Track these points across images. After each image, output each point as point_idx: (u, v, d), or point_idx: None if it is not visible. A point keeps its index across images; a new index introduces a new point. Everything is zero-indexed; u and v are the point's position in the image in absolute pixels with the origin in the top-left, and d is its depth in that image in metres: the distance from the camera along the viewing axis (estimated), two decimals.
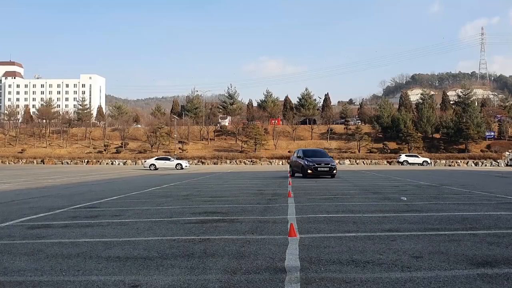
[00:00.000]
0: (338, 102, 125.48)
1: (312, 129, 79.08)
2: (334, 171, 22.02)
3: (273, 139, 73.78)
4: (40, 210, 9.53)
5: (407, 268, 4.42)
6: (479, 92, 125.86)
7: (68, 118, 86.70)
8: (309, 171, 21.59)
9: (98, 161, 68.24)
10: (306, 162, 21.99)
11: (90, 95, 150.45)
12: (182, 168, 43.55)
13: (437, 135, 74.88)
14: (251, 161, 66.52)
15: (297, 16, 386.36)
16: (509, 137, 73.01)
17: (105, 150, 73.11)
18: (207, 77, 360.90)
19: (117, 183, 20.18)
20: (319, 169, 21.67)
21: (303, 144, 73.03)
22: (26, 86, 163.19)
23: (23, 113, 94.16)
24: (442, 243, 5.59)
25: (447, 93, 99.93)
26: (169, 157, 48.94)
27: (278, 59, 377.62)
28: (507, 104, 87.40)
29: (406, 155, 62.21)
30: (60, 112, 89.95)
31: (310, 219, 7.83)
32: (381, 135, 76.75)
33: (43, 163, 68.04)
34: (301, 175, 22.99)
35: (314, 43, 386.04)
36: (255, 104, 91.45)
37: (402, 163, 59.90)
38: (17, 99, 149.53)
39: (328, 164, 22.02)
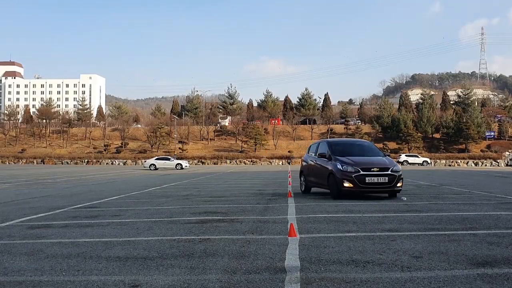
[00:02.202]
0: (338, 102, 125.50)
1: (312, 129, 79.08)
2: (399, 184, 11.19)
3: (273, 139, 73.77)
4: (40, 210, 9.53)
5: (407, 268, 4.42)
6: (479, 92, 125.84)
7: (68, 118, 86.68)
8: (346, 185, 10.82)
9: (98, 161, 68.26)
10: (340, 166, 11.07)
11: (90, 95, 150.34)
12: (182, 168, 43.55)
13: (437, 135, 74.90)
14: (251, 161, 66.53)
15: (297, 16, 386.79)
16: (509, 137, 73.00)
17: (105, 150, 73.11)
18: (207, 77, 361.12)
19: (117, 183, 20.18)
20: (368, 179, 10.75)
21: (304, 144, 72.99)
22: (26, 86, 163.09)
23: (23, 113, 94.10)
24: (442, 243, 5.59)
25: (447, 93, 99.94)
26: (169, 157, 48.95)
27: (279, 59, 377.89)
28: (507, 104, 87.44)
29: (406, 155, 62.24)
30: (60, 112, 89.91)
31: (310, 219, 7.83)
32: (381, 135, 76.76)
33: (43, 163, 68.05)
34: (327, 191, 12.07)
35: (314, 43, 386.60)
36: (255, 104, 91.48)
37: (402, 163, 59.81)
38: (17, 99, 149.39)
39: (387, 168, 11.06)
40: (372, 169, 10.92)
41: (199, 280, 4.08)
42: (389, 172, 10.98)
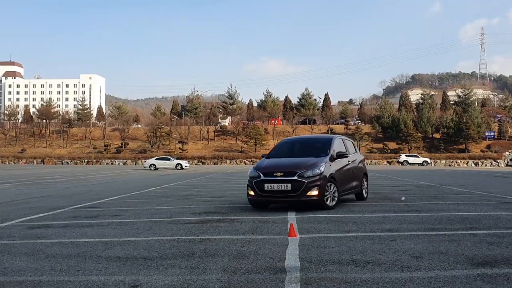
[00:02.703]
0: (338, 102, 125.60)
1: (312, 129, 79.11)
2: (311, 193, 8.69)
3: (273, 139, 73.76)
4: (40, 210, 9.53)
5: (407, 268, 4.42)
6: (479, 92, 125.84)
7: (68, 118, 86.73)
8: (250, 192, 9.23)
9: (98, 161, 68.27)
10: (252, 171, 9.36)
11: (90, 95, 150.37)
12: (182, 168, 43.56)
13: (437, 135, 74.96)
14: (251, 161, 66.49)
15: (297, 16, 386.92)
16: (509, 137, 73.04)
17: (105, 150, 73.15)
18: (207, 77, 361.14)
19: (117, 183, 20.18)
20: (267, 186, 8.81)
21: None
22: (26, 86, 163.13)
23: (23, 113, 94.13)
24: (442, 243, 5.59)
25: (447, 93, 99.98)
26: (169, 157, 48.98)
27: (279, 59, 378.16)
28: (507, 104, 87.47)
29: (406, 155, 62.34)
30: (60, 112, 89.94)
31: (310, 219, 7.83)
32: (381, 135, 76.81)
33: (43, 163, 68.05)
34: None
35: (314, 43, 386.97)
36: (255, 104, 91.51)
37: (402, 163, 59.94)
38: (17, 99, 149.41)
39: (294, 173, 8.75)
40: (275, 174, 8.83)
41: (199, 280, 4.08)
42: (294, 178, 8.61)
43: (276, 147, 10.90)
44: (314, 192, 8.67)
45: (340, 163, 9.61)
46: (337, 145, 10.06)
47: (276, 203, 9.51)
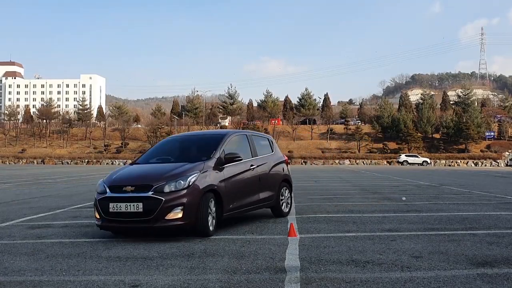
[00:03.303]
0: (338, 102, 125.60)
1: (312, 129, 79.12)
2: (172, 216, 5.84)
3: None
4: (40, 210, 9.54)
5: (407, 268, 4.42)
6: (479, 92, 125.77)
7: (68, 118, 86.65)
8: (96, 215, 6.22)
9: (99, 161, 68.29)
10: (99, 184, 6.39)
11: (90, 95, 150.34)
12: None
13: (437, 135, 74.93)
14: None
15: (297, 16, 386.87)
16: (509, 137, 73.03)
17: (105, 150, 73.20)
18: (207, 77, 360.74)
19: None
20: (112, 206, 5.93)
21: (304, 145, 72.89)
22: (26, 86, 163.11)
23: (23, 113, 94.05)
24: (442, 243, 5.60)
25: (447, 93, 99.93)
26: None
27: (279, 59, 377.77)
28: (507, 104, 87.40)
29: (406, 155, 62.38)
30: (60, 112, 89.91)
31: (310, 219, 7.84)
32: (381, 135, 76.77)
33: (43, 163, 68.06)
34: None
35: (314, 43, 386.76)
36: (255, 104, 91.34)
37: (402, 163, 59.96)
38: (17, 99, 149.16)
39: (149, 186, 5.93)
40: (124, 188, 6.06)
41: (199, 280, 4.08)
42: (148, 194, 5.89)
43: (152, 148, 8.14)
44: (177, 215, 5.89)
45: (232, 169, 6.87)
46: (232, 145, 7.31)
47: (126, 232, 6.53)
